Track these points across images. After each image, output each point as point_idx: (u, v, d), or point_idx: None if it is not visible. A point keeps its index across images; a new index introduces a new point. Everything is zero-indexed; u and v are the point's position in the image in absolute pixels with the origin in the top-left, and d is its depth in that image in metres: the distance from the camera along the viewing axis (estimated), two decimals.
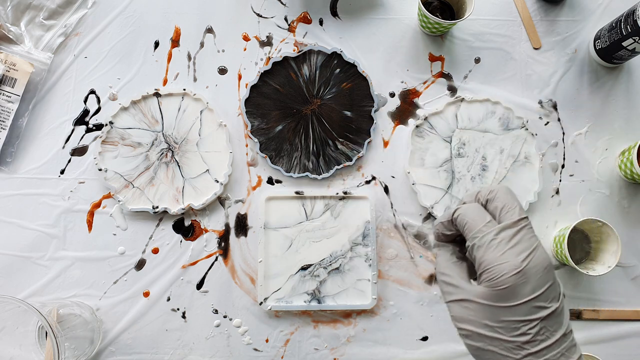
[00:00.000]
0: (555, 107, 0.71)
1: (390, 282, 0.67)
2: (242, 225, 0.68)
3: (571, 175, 0.70)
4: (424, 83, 0.71)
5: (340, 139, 0.69)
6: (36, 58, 0.69)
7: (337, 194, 0.68)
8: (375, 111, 0.70)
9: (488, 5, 0.72)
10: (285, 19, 0.72)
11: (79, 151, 0.69)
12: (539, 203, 0.68)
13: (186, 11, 0.72)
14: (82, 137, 0.69)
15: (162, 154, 0.68)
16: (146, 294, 0.66)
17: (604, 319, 0.67)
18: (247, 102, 0.69)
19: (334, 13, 0.72)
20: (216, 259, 0.67)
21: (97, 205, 0.68)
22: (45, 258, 0.67)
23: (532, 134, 0.69)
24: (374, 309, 0.66)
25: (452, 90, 0.71)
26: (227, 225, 0.68)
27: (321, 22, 0.72)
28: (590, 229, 0.66)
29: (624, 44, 0.64)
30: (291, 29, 0.72)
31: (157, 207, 0.67)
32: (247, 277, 0.67)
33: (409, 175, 0.68)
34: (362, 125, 0.70)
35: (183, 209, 0.67)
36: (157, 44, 0.71)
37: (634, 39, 0.63)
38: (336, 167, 0.69)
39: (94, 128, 0.69)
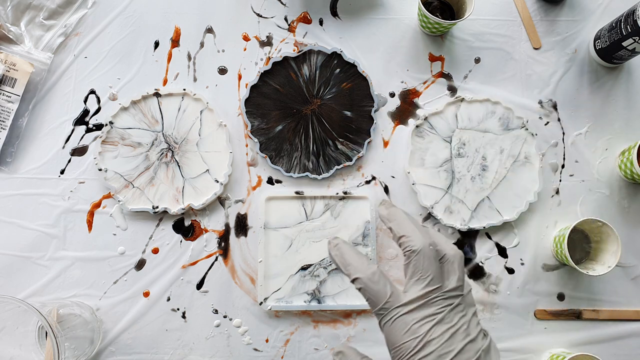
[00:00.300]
0: (555, 107, 0.71)
1: None
2: (242, 225, 0.68)
3: (571, 175, 0.70)
4: (424, 83, 0.71)
5: (340, 139, 0.69)
6: (36, 58, 0.69)
7: (337, 194, 0.68)
8: (375, 111, 0.70)
9: (488, 5, 0.72)
10: (285, 19, 0.72)
11: (79, 151, 0.69)
12: (539, 203, 0.68)
13: (186, 11, 0.72)
14: (82, 137, 0.69)
15: (162, 154, 0.68)
16: (146, 294, 0.66)
17: (604, 319, 0.67)
18: (247, 102, 0.69)
19: (334, 13, 0.72)
20: (216, 259, 0.67)
21: (97, 205, 0.68)
22: (45, 258, 0.67)
23: (532, 134, 0.69)
24: None
25: (452, 90, 0.71)
26: (227, 225, 0.68)
27: (321, 22, 0.72)
28: (590, 229, 0.66)
29: (624, 44, 0.64)
30: (291, 29, 0.72)
31: (157, 207, 0.67)
32: (247, 277, 0.67)
33: (409, 175, 0.68)
34: (362, 125, 0.70)
35: (183, 209, 0.67)
36: (157, 44, 0.71)
37: (634, 39, 0.63)
38: (336, 167, 0.69)
39: (94, 128, 0.69)
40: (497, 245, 0.68)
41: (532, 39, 0.72)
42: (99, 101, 0.70)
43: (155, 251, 0.67)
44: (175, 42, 0.71)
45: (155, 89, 0.69)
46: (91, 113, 0.69)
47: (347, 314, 0.67)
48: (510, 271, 0.68)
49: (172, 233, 0.68)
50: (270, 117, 0.69)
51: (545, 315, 0.67)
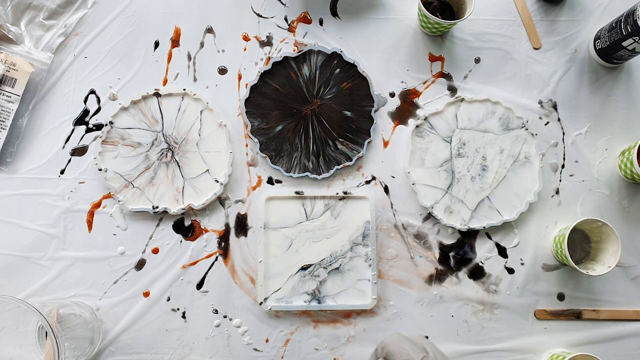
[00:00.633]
0: (555, 107, 0.71)
1: (390, 282, 0.67)
2: (242, 225, 0.68)
3: (571, 175, 0.70)
4: (424, 83, 0.71)
5: (340, 139, 0.69)
6: (36, 58, 0.69)
7: (337, 194, 0.68)
8: (375, 111, 0.70)
9: (488, 5, 0.72)
10: (285, 19, 0.72)
11: (79, 151, 0.69)
12: (539, 203, 0.68)
13: (186, 11, 0.72)
14: (82, 137, 0.69)
15: (162, 154, 0.68)
16: (146, 294, 0.66)
17: (604, 319, 0.67)
18: (247, 102, 0.69)
19: (334, 13, 0.72)
20: (216, 259, 0.67)
21: (97, 205, 0.68)
22: (45, 258, 0.67)
23: (532, 134, 0.69)
24: (374, 309, 0.66)
25: (452, 90, 0.71)
26: (227, 225, 0.68)
27: (321, 22, 0.72)
28: (590, 229, 0.66)
29: (624, 44, 0.64)
30: (291, 29, 0.72)
31: (157, 207, 0.67)
32: (247, 277, 0.67)
33: (409, 175, 0.68)
34: (362, 125, 0.70)
35: (183, 209, 0.67)
36: (157, 44, 0.71)
37: (634, 39, 0.63)
38: (336, 167, 0.69)
39: (94, 128, 0.69)
40: (497, 245, 0.68)
41: (532, 39, 0.72)
42: (99, 101, 0.70)
43: (155, 251, 0.67)
44: (175, 42, 0.71)
45: (155, 89, 0.69)
46: (91, 113, 0.69)
47: (347, 314, 0.67)
48: (510, 271, 0.68)
49: (172, 233, 0.68)
50: (270, 117, 0.69)
51: (545, 315, 0.67)
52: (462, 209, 0.68)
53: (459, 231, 0.68)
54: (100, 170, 0.67)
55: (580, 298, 0.67)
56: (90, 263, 0.67)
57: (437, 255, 0.68)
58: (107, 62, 0.70)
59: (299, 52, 0.70)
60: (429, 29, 0.70)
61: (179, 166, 0.68)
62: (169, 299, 0.66)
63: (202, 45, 0.71)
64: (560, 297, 0.67)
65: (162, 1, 0.72)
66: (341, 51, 0.70)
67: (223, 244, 0.68)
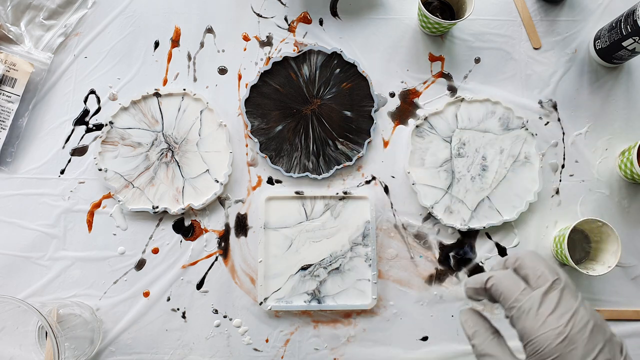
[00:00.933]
0: (555, 107, 0.71)
1: (390, 282, 0.67)
2: (242, 225, 0.68)
3: (571, 175, 0.70)
4: (424, 83, 0.71)
5: (340, 139, 0.69)
6: (36, 58, 0.69)
7: (337, 194, 0.68)
8: (375, 111, 0.70)
9: (488, 5, 0.72)
10: (285, 19, 0.72)
11: (79, 151, 0.69)
12: (539, 203, 0.68)
13: (186, 11, 0.72)
14: (82, 137, 0.69)
15: (162, 154, 0.68)
16: (146, 294, 0.66)
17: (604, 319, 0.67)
18: (247, 102, 0.69)
19: (334, 13, 0.72)
20: (216, 259, 0.67)
21: (97, 205, 0.68)
22: (45, 258, 0.67)
23: (532, 134, 0.69)
24: (374, 309, 0.66)
25: (452, 90, 0.71)
26: (227, 225, 0.68)
27: (321, 22, 0.72)
28: (590, 229, 0.66)
29: (624, 44, 0.64)
30: (291, 29, 0.72)
31: (157, 207, 0.67)
32: (247, 277, 0.67)
33: (409, 175, 0.68)
34: (362, 125, 0.70)
35: (183, 209, 0.67)
36: (157, 44, 0.71)
37: (634, 39, 0.63)
38: (336, 167, 0.69)
39: (94, 128, 0.69)
40: (497, 245, 0.68)
41: (532, 39, 0.72)
42: (99, 101, 0.70)
43: (155, 251, 0.67)
44: (175, 42, 0.71)
45: (155, 89, 0.69)
46: (91, 113, 0.69)
47: (347, 314, 0.67)
48: None
49: (172, 233, 0.68)
50: (270, 117, 0.69)
51: None
52: (462, 209, 0.68)
53: (459, 231, 0.68)
54: (100, 170, 0.67)
55: None
56: (90, 263, 0.67)
57: (437, 255, 0.68)
58: (107, 62, 0.70)
59: (299, 52, 0.70)
60: (429, 29, 0.70)
61: (179, 166, 0.68)
62: (169, 299, 0.66)
63: (202, 45, 0.71)
64: None
65: (162, 1, 0.72)
66: (341, 51, 0.70)
67: (223, 244, 0.68)
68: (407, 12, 0.72)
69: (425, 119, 0.69)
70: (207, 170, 0.68)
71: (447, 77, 0.71)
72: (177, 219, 0.68)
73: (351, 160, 0.69)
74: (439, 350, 0.66)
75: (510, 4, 0.73)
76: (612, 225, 0.62)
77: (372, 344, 0.66)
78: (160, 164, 0.68)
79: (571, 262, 0.62)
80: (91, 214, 0.68)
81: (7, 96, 0.67)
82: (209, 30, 0.71)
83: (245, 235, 0.68)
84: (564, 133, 0.70)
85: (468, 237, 0.68)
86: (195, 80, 0.70)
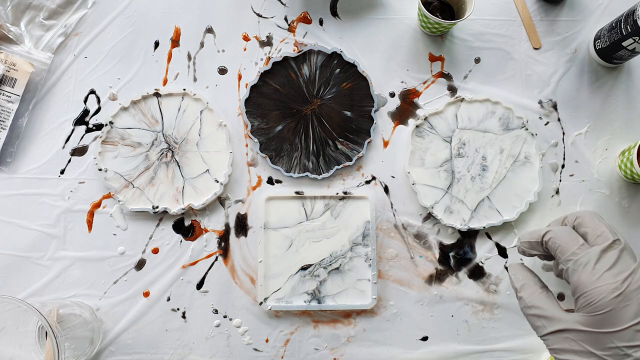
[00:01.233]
0: (555, 107, 0.71)
1: (390, 282, 0.67)
2: (242, 225, 0.68)
3: (571, 175, 0.70)
4: (424, 83, 0.71)
5: (340, 139, 0.69)
6: (36, 58, 0.69)
7: (337, 194, 0.68)
8: (375, 111, 0.70)
9: (488, 5, 0.72)
10: (285, 19, 0.72)
11: (79, 151, 0.69)
12: (539, 203, 0.68)
13: (186, 11, 0.72)
14: (82, 137, 0.69)
15: (162, 154, 0.68)
16: (146, 294, 0.66)
17: None
18: (247, 102, 0.69)
19: (334, 13, 0.72)
20: (216, 259, 0.67)
21: (97, 205, 0.68)
22: (45, 258, 0.67)
23: (532, 134, 0.69)
24: (374, 309, 0.66)
25: (452, 90, 0.71)
26: (227, 225, 0.68)
27: (321, 22, 0.72)
28: None
29: (624, 44, 0.64)
30: (291, 29, 0.72)
31: (157, 207, 0.67)
32: (247, 277, 0.67)
33: (409, 175, 0.68)
34: (362, 125, 0.70)
35: (183, 209, 0.67)
36: (157, 44, 0.71)
37: (634, 39, 0.63)
38: (336, 167, 0.69)
39: (94, 128, 0.69)
40: (497, 245, 0.68)
41: (532, 39, 0.72)
42: (99, 101, 0.70)
43: (155, 251, 0.67)
44: (175, 42, 0.71)
45: (155, 89, 0.69)
46: (91, 113, 0.69)
47: (347, 314, 0.67)
48: None
49: (172, 233, 0.68)
50: (270, 117, 0.69)
51: None
52: (462, 209, 0.68)
53: (459, 231, 0.68)
54: (100, 170, 0.67)
55: None
56: (90, 263, 0.67)
57: (437, 255, 0.68)
58: (107, 62, 0.70)
59: (299, 52, 0.70)
60: (429, 29, 0.70)
61: (179, 166, 0.68)
62: (169, 299, 0.66)
63: (202, 45, 0.71)
64: (561, 297, 0.67)
65: (162, 1, 0.72)
66: (341, 51, 0.70)
67: (223, 244, 0.68)
68: (407, 12, 0.72)
69: (425, 119, 0.69)
70: (207, 170, 0.68)
71: (447, 77, 0.71)
72: (177, 219, 0.68)
73: (351, 160, 0.69)
74: (439, 350, 0.66)
75: (510, 4, 0.73)
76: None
77: (372, 344, 0.66)
78: (160, 164, 0.68)
79: None
80: (91, 214, 0.68)
81: (7, 96, 0.67)
82: (209, 30, 0.71)
83: (245, 235, 0.68)
84: (564, 133, 0.70)
85: (468, 237, 0.68)
86: (195, 80, 0.70)
